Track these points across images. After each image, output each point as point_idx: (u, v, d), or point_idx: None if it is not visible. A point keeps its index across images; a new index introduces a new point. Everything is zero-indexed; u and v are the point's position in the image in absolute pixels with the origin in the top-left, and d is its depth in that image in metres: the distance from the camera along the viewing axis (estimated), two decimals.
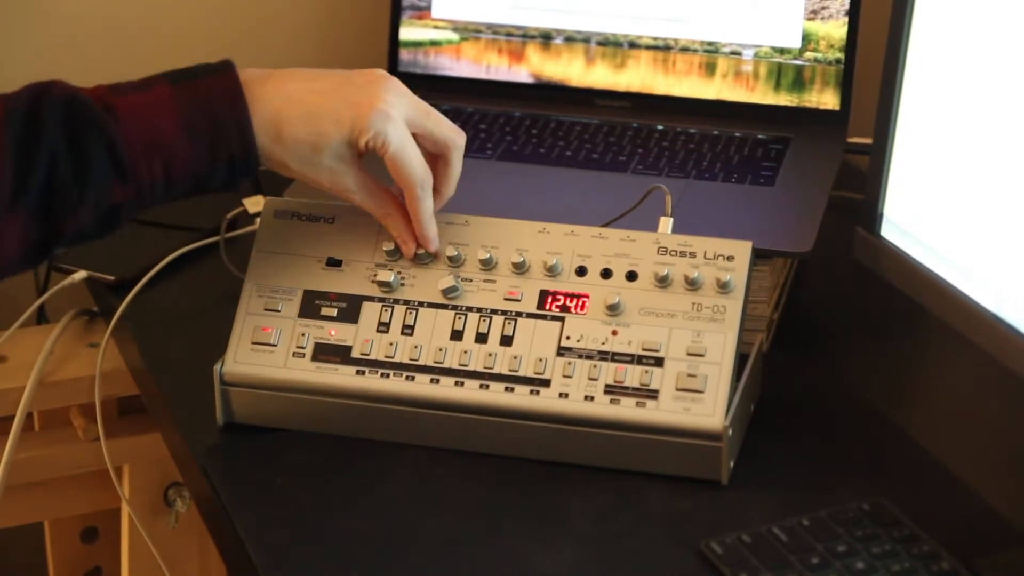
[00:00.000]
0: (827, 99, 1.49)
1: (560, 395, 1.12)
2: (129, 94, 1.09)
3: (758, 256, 1.19)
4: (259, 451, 1.16)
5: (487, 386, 1.13)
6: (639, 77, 1.53)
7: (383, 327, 1.16)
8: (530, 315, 1.15)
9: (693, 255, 1.15)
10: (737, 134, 1.48)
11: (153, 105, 1.08)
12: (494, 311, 1.15)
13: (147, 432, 1.44)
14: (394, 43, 1.59)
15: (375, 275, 1.17)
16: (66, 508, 1.54)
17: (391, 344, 1.15)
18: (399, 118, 1.12)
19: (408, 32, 1.59)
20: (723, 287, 1.13)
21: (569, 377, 1.12)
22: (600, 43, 1.54)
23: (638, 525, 1.07)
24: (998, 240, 1.07)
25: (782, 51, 1.49)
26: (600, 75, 1.55)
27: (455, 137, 1.15)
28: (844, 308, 1.39)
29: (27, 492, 1.46)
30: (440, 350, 1.14)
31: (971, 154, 1.10)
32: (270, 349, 1.16)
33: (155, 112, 1.08)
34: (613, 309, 1.13)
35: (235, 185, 1.13)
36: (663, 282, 1.14)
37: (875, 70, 1.19)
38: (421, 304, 1.16)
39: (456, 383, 1.13)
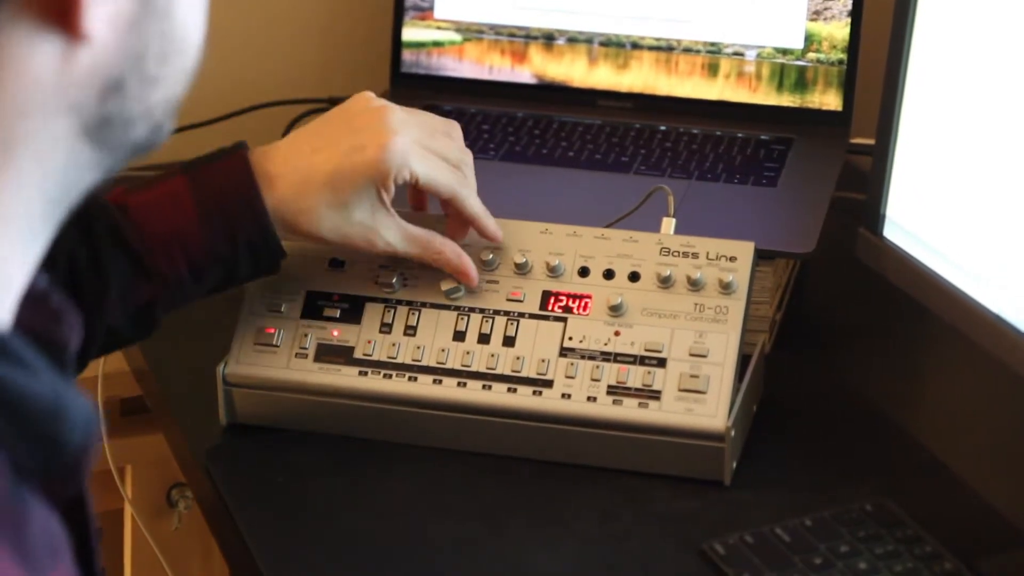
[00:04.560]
0: (829, 100, 1.49)
1: (563, 396, 1.12)
2: (144, 191, 1.08)
3: (760, 257, 1.19)
4: (262, 451, 1.16)
5: (489, 387, 1.13)
6: (642, 78, 1.53)
7: (386, 328, 1.16)
8: (532, 316, 1.15)
9: (696, 256, 1.15)
10: (740, 135, 1.48)
11: (168, 197, 1.08)
12: (496, 312, 1.15)
13: (150, 433, 1.44)
14: (397, 44, 1.59)
15: (378, 276, 1.17)
16: None
17: (394, 345, 1.15)
18: (414, 144, 1.11)
19: (411, 33, 1.59)
20: (725, 288, 1.13)
21: (572, 378, 1.12)
22: (603, 44, 1.54)
23: (640, 525, 1.07)
24: (1001, 240, 1.07)
25: (785, 52, 1.49)
26: (603, 76, 1.55)
27: (463, 156, 1.15)
28: (846, 309, 1.39)
29: None
30: (443, 351, 1.14)
31: (974, 154, 1.10)
32: (273, 350, 1.16)
33: (170, 204, 1.07)
34: (616, 310, 1.13)
35: (265, 270, 1.11)
36: (665, 283, 1.14)
37: (877, 71, 1.19)
38: (424, 305, 1.16)
39: (459, 384, 1.13)
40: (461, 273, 1.15)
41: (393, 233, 1.12)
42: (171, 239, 1.07)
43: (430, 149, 1.12)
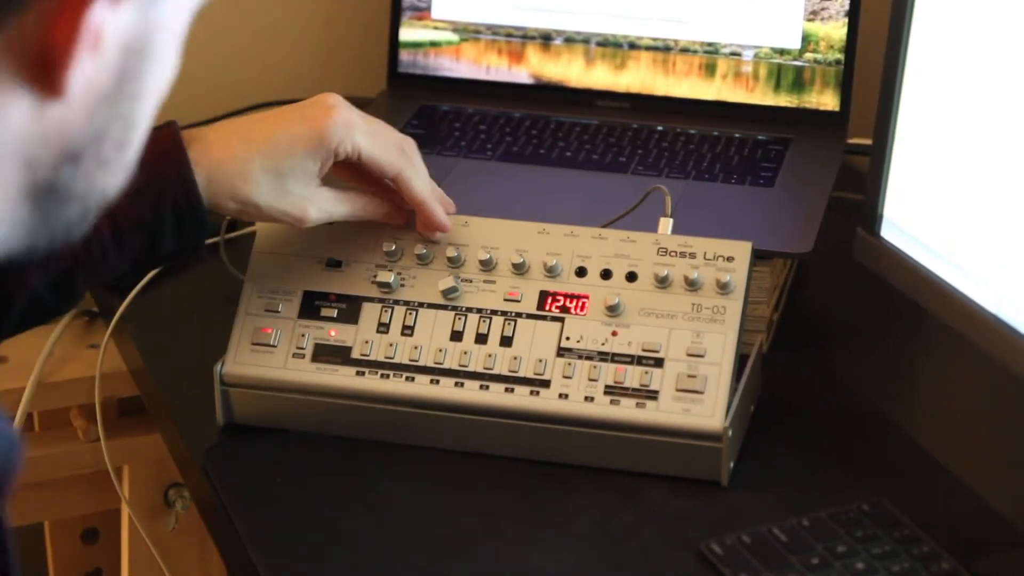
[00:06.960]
0: (827, 100, 1.49)
1: (560, 396, 1.12)
2: None
3: (758, 257, 1.19)
4: (259, 452, 1.16)
5: (487, 387, 1.13)
6: (639, 78, 1.53)
7: (383, 328, 1.16)
8: (530, 316, 1.15)
9: (693, 256, 1.15)
10: (737, 135, 1.48)
11: None
12: (494, 312, 1.15)
13: (147, 433, 1.44)
14: (394, 44, 1.59)
15: (375, 276, 1.17)
16: (66, 509, 1.54)
17: (391, 345, 1.15)
18: (358, 119, 1.12)
19: (408, 33, 1.59)
20: (723, 288, 1.13)
21: (569, 378, 1.12)
22: (600, 44, 1.54)
23: (638, 526, 1.07)
24: (998, 241, 1.07)
25: (782, 52, 1.49)
26: (600, 76, 1.55)
27: (405, 140, 1.15)
28: (844, 309, 1.39)
29: (27, 493, 1.46)
30: (440, 351, 1.14)
31: (971, 155, 1.10)
32: (270, 350, 1.16)
33: None
34: (613, 310, 1.13)
35: (189, 246, 1.10)
36: (663, 283, 1.14)
37: (875, 71, 1.19)
38: (421, 305, 1.16)
39: (456, 384, 1.13)
40: (389, 217, 1.16)
41: (329, 200, 1.13)
42: None
43: (374, 127, 1.13)
